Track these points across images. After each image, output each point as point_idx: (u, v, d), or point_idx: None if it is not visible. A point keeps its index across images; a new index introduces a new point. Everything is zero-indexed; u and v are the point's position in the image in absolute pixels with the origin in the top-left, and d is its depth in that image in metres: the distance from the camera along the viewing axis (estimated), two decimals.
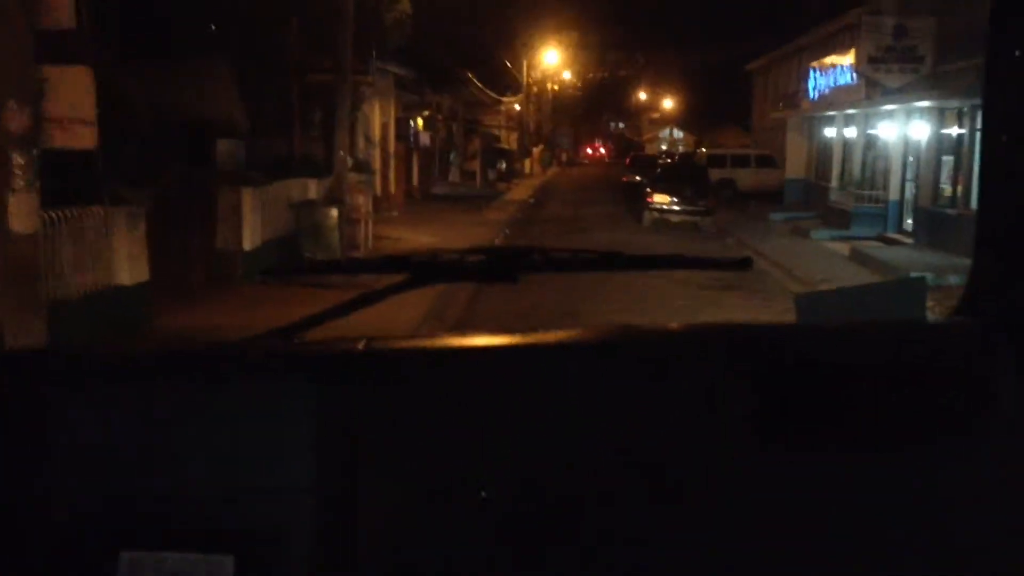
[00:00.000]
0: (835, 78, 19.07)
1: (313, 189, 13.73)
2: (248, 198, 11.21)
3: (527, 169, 43.93)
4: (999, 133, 1.19)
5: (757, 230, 20.15)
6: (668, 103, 76.71)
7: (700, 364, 1.13)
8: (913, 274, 9.75)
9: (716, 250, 17.57)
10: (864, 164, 19.73)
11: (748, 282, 13.36)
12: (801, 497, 1.05)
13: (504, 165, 36.81)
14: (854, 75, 17.56)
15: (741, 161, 29.28)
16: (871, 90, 16.89)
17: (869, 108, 17.57)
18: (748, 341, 1.20)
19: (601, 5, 46.51)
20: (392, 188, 22.38)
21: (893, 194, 17.59)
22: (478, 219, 21.88)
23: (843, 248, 16.77)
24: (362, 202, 14.78)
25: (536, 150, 48.06)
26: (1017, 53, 1.14)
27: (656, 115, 77.81)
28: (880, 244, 16.75)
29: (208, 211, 10.86)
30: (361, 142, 19.31)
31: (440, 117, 35.36)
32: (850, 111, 19.75)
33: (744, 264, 1.60)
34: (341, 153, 13.46)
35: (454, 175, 34.30)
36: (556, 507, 1.04)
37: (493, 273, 1.44)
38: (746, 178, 28.51)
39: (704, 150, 31.18)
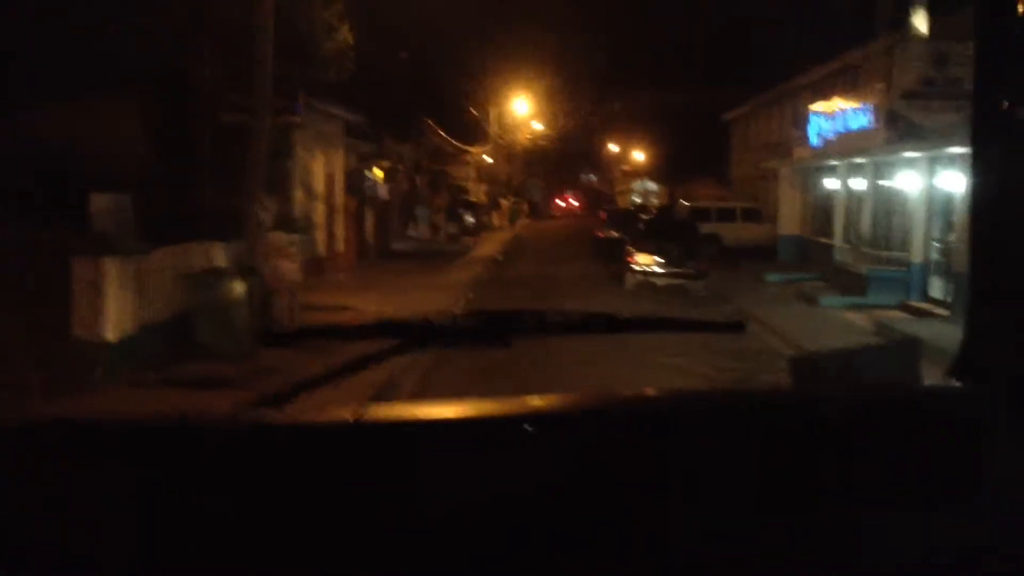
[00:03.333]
0: (844, 122, 16.78)
1: (220, 255, 10.97)
2: (113, 270, 8.45)
3: (496, 223, 41.44)
4: (987, 186, 1.18)
5: (755, 294, 17.61)
6: (640, 155, 75.27)
7: (691, 433, 1.11)
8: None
9: (714, 317, 15.07)
10: (875, 220, 17.34)
11: (762, 364, 10.94)
12: (792, 564, 0.99)
13: (471, 219, 34.26)
14: (872, 117, 15.23)
15: (727, 215, 26.89)
16: (893, 133, 14.53)
17: (887, 156, 15.18)
18: (741, 406, 1.20)
19: (569, 57, 44.68)
20: (340, 247, 19.65)
21: (916, 256, 15.14)
22: (438, 281, 19.17)
23: (862, 320, 14.25)
24: (287, 268, 12.05)
25: (505, 203, 45.68)
26: (1003, 105, 1.14)
27: (627, 167, 76.31)
28: (906, 315, 14.24)
29: (56, 289, 8.09)
30: (299, 195, 16.62)
31: (402, 168, 32.91)
32: (858, 160, 17.40)
33: (737, 327, 1.71)
34: (256, 208, 10.76)
35: (423, 230, 31.80)
36: None
37: (486, 337, 1.41)
38: (732, 233, 26.05)
39: (685, 203, 28.81)
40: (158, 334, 9.20)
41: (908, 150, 14.84)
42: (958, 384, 1.21)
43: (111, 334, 8.37)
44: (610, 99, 49.80)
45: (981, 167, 1.19)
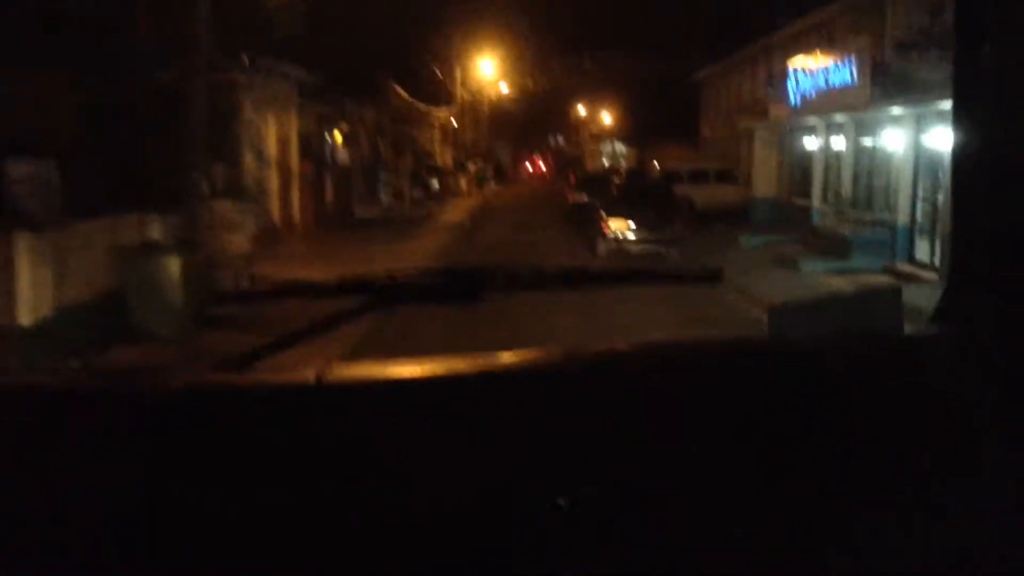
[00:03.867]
0: (826, 78, 15.98)
1: (156, 227, 9.99)
2: (26, 246, 7.48)
3: (463, 187, 40.37)
4: (969, 133, 1.17)
5: (731, 259, 16.88)
6: (608, 117, 74.32)
7: (662, 382, 1.09)
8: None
9: (683, 291, 14.41)
10: (857, 180, 16.65)
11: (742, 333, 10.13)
12: (773, 520, 0.97)
13: (436, 184, 33.19)
14: (856, 72, 14.44)
15: (699, 177, 26.07)
16: (877, 89, 13.75)
17: (873, 112, 14.41)
18: (718, 357, 1.17)
19: (537, 16, 43.44)
20: (296, 216, 18.63)
21: (902, 217, 14.47)
22: (403, 249, 18.24)
23: (846, 285, 13.56)
24: (235, 241, 11.11)
25: (472, 167, 44.56)
26: (985, 52, 1.11)
27: (596, 129, 75.36)
28: (893, 279, 13.59)
29: None
30: (248, 161, 15.58)
31: (363, 131, 31.74)
32: (840, 118, 16.64)
33: (713, 277, 1.57)
34: (195, 176, 9.78)
35: (386, 196, 30.75)
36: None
37: (455, 293, 1.36)
38: (705, 195, 25.20)
39: (657, 165, 27.98)
40: (83, 316, 8.25)
41: (895, 105, 14.09)
42: (940, 330, 1.20)
43: (25, 318, 7.43)
44: (579, 60, 48.67)
45: (962, 114, 1.18)
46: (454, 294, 1.36)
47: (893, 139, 14.90)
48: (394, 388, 1.08)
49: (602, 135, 73.90)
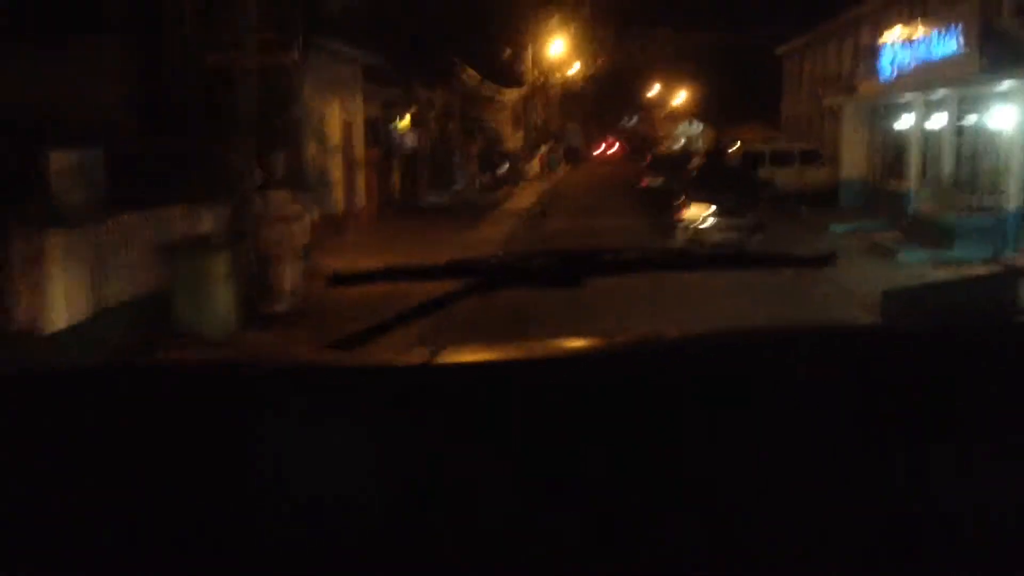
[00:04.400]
0: (927, 49, 14.65)
1: (207, 219, 9.47)
2: (59, 245, 6.98)
3: (533, 171, 39.50)
4: None
5: (822, 248, 15.74)
6: (683, 96, 72.44)
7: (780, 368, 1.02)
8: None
9: (776, 281, 13.41)
10: (959, 161, 15.31)
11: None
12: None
13: (507, 168, 32.39)
14: (963, 41, 13.12)
15: (783, 158, 24.72)
16: (987, 61, 12.45)
17: (978, 87, 13.10)
18: (836, 343, 1.11)
19: None
20: (361, 203, 18.09)
21: (1012, 201, 13.16)
22: (468, 238, 17.58)
23: (951, 276, 12.41)
24: (293, 232, 10.55)
25: (544, 148, 43.57)
26: None
27: (670, 109, 73.55)
28: (1002, 271, 12.33)
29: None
30: (311, 147, 15.05)
31: (432, 114, 31.15)
32: (939, 93, 15.29)
33: (828, 260, 1.53)
34: (246, 163, 9.21)
35: (460, 181, 30.17)
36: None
37: (559, 277, 1.35)
38: (788, 178, 23.85)
39: (739, 145, 26.68)
40: (125, 317, 7.76)
41: (1007, 78, 12.76)
42: None
43: (60, 320, 6.94)
44: (653, 36, 47.16)
45: None
46: (557, 278, 1.34)
47: (1002, 116, 13.55)
48: (503, 371, 1.03)
49: (677, 114, 72.15)
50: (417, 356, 1.03)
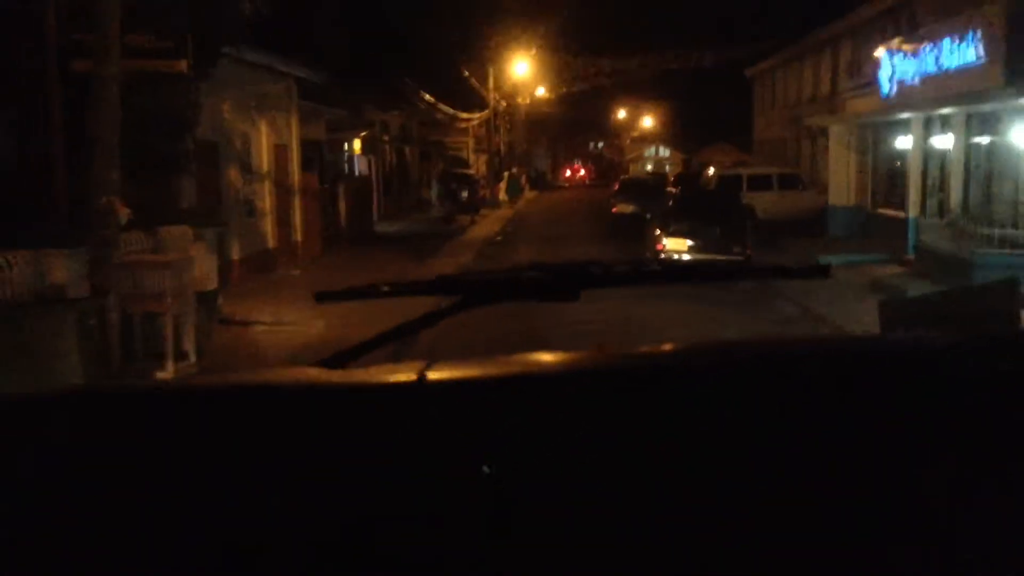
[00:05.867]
0: (937, 59, 12.94)
1: (61, 268, 7.34)
2: None
3: (499, 197, 37.61)
4: None
5: (815, 284, 13.87)
6: (650, 120, 71.44)
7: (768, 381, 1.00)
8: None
9: (765, 324, 11.54)
10: (968, 186, 13.58)
11: None
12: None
13: (467, 194, 30.42)
14: (980, 50, 11.41)
15: (760, 182, 23.02)
16: (1014, 71, 10.72)
17: (1001, 102, 11.37)
18: (830, 354, 1.10)
19: (573, 11, 40.57)
20: (297, 236, 16.00)
21: None
22: (419, 271, 15.54)
23: None
24: (184, 279, 8.46)
25: (507, 173, 41.79)
26: None
27: (637, 133, 72.54)
28: None
29: None
30: (231, 174, 12.98)
31: (388, 139, 29.21)
32: (946, 111, 13.57)
33: (822, 271, 1.51)
34: (106, 198, 7.12)
35: (421, 208, 28.25)
36: None
37: (552, 290, 1.34)
38: (768, 204, 22.05)
39: (714, 169, 24.99)
40: None
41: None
42: None
43: None
44: (620, 60, 45.79)
45: None
46: (551, 292, 1.32)
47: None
48: (496, 386, 1.02)
49: (644, 138, 71.04)
50: (408, 372, 1.00)
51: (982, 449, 0.90)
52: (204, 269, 9.57)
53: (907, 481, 0.86)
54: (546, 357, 1.10)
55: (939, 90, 12.91)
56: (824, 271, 1.47)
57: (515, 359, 1.08)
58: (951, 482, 0.86)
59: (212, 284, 9.90)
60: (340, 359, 1.20)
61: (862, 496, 0.85)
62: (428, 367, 1.01)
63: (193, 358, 8.20)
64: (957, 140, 13.81)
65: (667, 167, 55.19)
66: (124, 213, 7.19)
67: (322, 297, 1.47)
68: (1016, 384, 0.97)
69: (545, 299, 1.30)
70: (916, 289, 12.49)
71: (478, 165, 40.95)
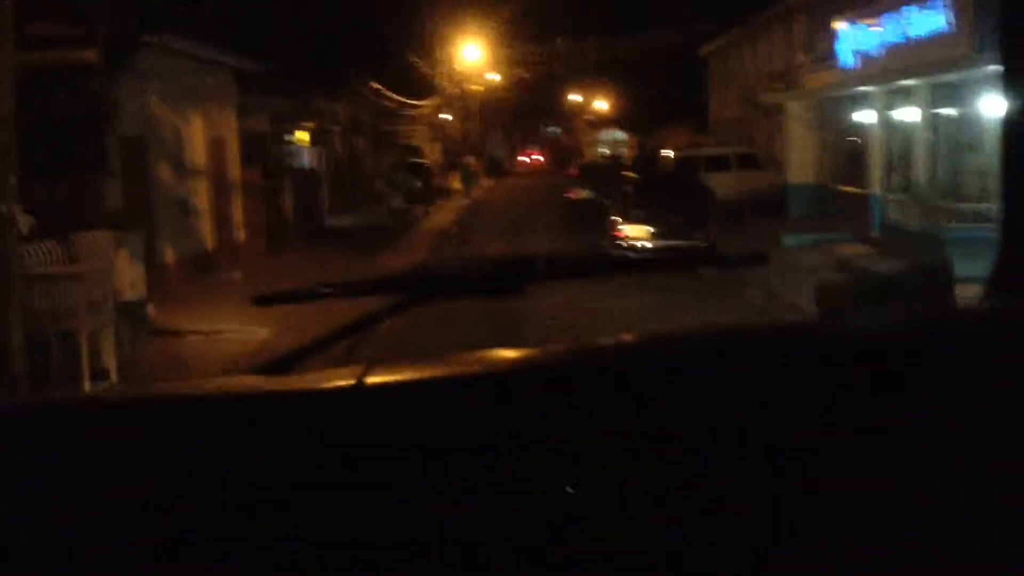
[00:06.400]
0: (902, 29, 12.48)
1: None
2: None
3: (456, 186, 36.82)
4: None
5: (777, 265, 13.36)
6: (604, 104, 71.01)
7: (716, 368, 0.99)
8: None
9: (732, 312, 11.06)
10: (935, 161, 13.19)
11: None
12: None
13: (421, 184, 29.60)
14: (951, 18, 10.95)
15: (718, 163, 22.59)
16: (985, 38, 10.29)
17: (970, 70, 10.94)
18: (766, 340, 1.08)
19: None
20: (238, 235, 15.18)
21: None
22: (370, 268, 14.81)
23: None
24: (103, 289, 7.73)
25: (467, 162, 41.03)
26: None
27: (591, 116, 72.09)
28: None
29: None
30: (162, 171, 12.15)
31: (337, 130, 28.33)
32: (910, 82, 13.15)
33: (760, 259, 1.50)
34: (3, 208, 6.35)
35: (368, 201, 27.43)
36: None
37: (497, 285, 1.29)
38: (727, 185, 21.60)
39: (671, 152, 24.51)
40: None
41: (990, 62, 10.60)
42: (995, 303, 1.14)
43: None
44: (572, 43, 45.21)
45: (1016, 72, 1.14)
46: (495, 286, 1.29)
47: (995, 106, 11.42)
48: (435, 388, 1.01)
49: (599, 122, 70.56)
50: (347, 376, 0.98)
51: (914, 434, 0.88)
52: (129, 277, 8.82)
53: (842, 467, 0.86)
54: (492, 355, 1.09)
55: (905, 60, 12.47)
56: (762, 258, 1.44)
57: (459, 358, 1.07)
58: (883, 469, 0.85)
59: (139, 293, 9.15)
60: (277, 366, 1.16)
61: (795, 484, 0.84)
62: (367, 371, 0.99)
63: (114, 376, 7.47)
64: (923, 113, 13.40)
65: (623, 150, 54.81)
66: (26, 221, 6.42)
67: (261, 301, 1.45)
68: (952, 366, 0.96)
69: (488, 295, 1.28)
70: (882, 268, 12.09)
71: (433, 154, 40.11)
